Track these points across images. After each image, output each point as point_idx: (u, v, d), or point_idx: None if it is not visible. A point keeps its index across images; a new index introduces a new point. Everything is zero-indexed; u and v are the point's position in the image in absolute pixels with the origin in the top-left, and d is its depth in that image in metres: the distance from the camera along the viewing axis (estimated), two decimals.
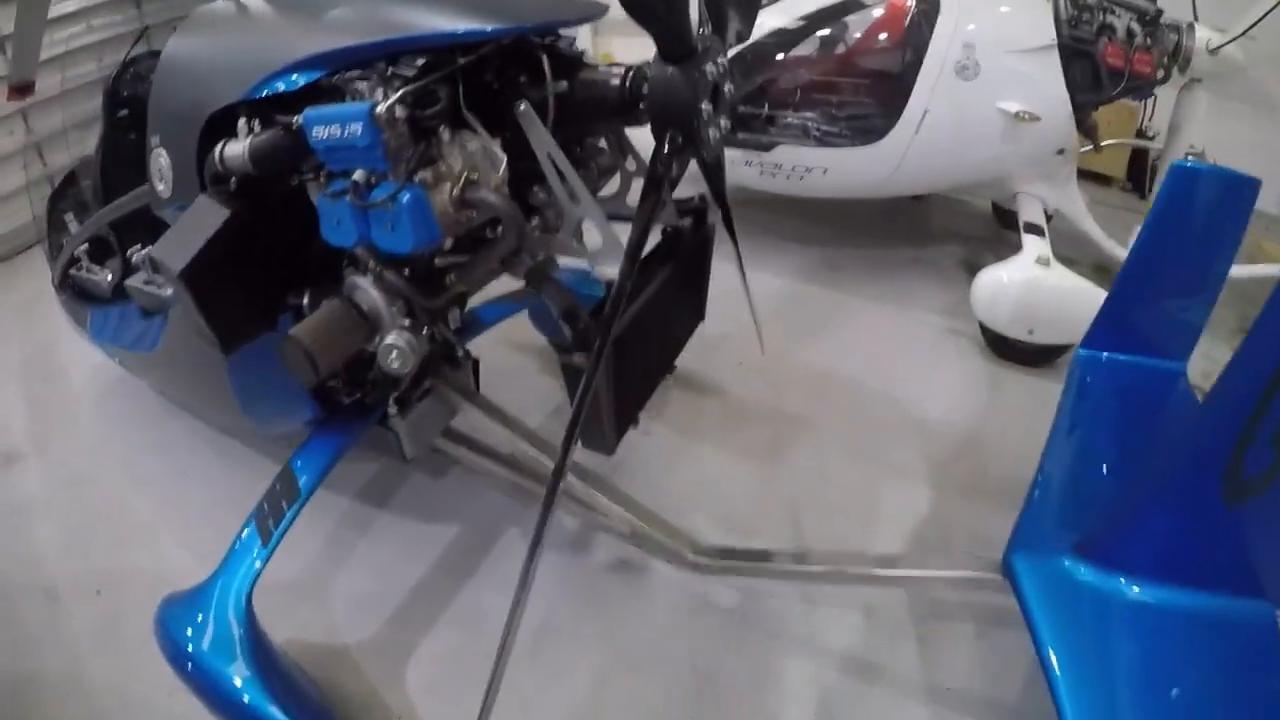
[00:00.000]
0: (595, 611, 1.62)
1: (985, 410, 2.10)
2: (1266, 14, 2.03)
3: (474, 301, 1.64)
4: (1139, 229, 1.47)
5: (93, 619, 1.83)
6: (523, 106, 1.16)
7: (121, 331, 1.80)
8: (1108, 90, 2.16)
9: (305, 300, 1.28)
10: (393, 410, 1.44)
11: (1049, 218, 2.29)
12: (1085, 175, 2.54)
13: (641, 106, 1.18)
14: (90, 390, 2.44)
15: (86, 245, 1.96)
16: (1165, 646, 1.07)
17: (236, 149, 1.19)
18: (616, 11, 1.19)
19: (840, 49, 2.35)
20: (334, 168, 1.13)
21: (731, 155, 1.95)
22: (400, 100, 1.07)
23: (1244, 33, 2.09)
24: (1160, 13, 2.16)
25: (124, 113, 1.93)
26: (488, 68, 1.21)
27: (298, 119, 1.13)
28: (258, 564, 1.39)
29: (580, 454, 1.28)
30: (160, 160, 1.39)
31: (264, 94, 1.20)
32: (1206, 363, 1.84)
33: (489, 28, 1.15)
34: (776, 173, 2.37)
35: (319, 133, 1.10)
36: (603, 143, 1.38)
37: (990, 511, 1.68)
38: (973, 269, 2.24)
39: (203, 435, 2.18)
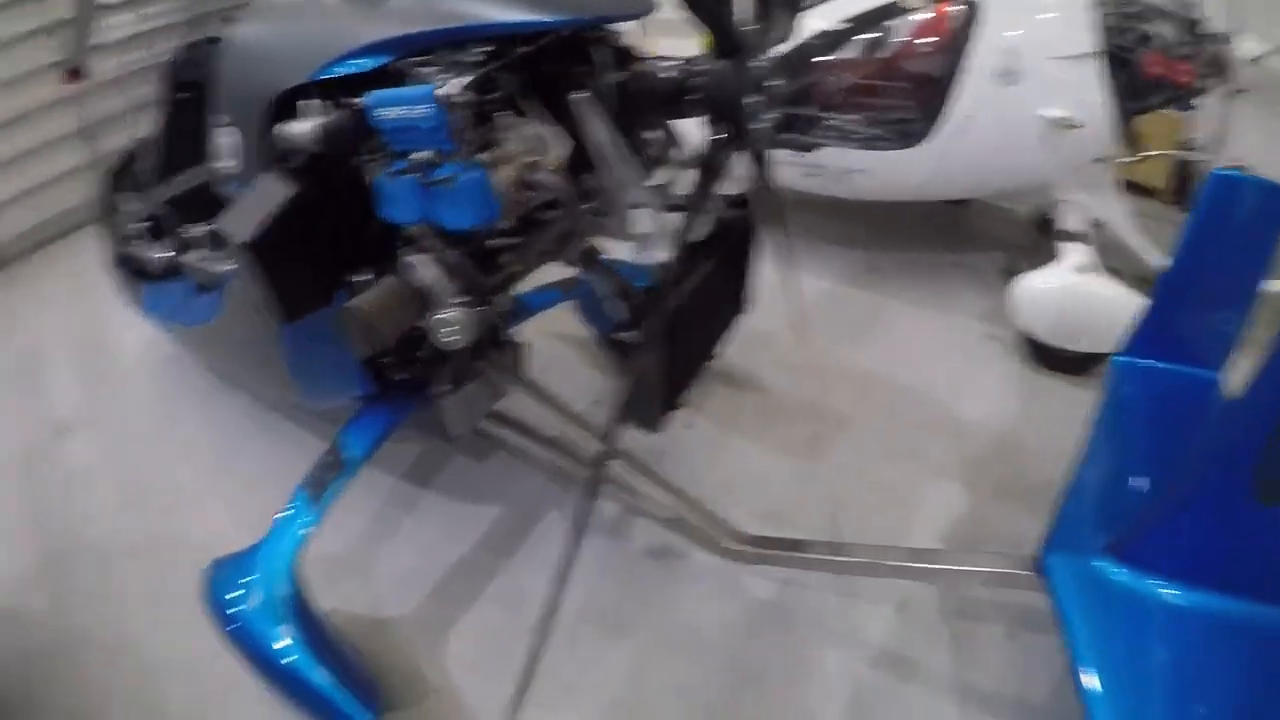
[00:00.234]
0: (634, 596, 1.64)
1: (1022, 415, 2.09)
2: None
3: (521, 291, 1.67)
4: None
5: (141, 582, 1.89)
6: (579, 96, 1.19)
7: (175, 306, 1.86)
8: (1148, 99, 2.15)
9: (361, 277, 1.32)
10: (441, 390, 1.47)
11: (1090, 227, 2.28)
12: (1128, 187, 2.52)
13: (693, 99, 1.21)
14: (141, 366, 2.51)
15: (142, 223, 2.02)
16: (1197, 650, 1.07)
17: (302, 129, 1.23)
18: (663, 12, 1.24)
19: (882, 52, 2.35)
20: (398, 147, 1.17)
21: (774, 155, 1.97)
22: (465, 85, 1.10)
23: None
24: (1202, 22, 2.14)
25: (182, 95, 1.99)
26: (546, 58, 1.24)
27: (363, 101, 1.17)
28: (305, 531, 1.43)
29: (624, 438, 1.31)
30: (224, 139, 1.44)
31: (330, 76, 1.24)
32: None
33: (548, 19, 1.19)
34: (819, 174, 2.38)
35: (385, 114, 1.14)
36: (652, 134, 1.40)
37: (1025, 514, 1.69)
38: (1012, 275, 2.23)
39: (250, 413, 2.23)
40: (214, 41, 2.02)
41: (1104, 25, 2.12)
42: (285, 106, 1.28)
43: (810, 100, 2.33)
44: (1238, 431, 1.02)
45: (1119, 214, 2.33)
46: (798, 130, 2.34)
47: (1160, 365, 1.54)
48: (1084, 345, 2.13)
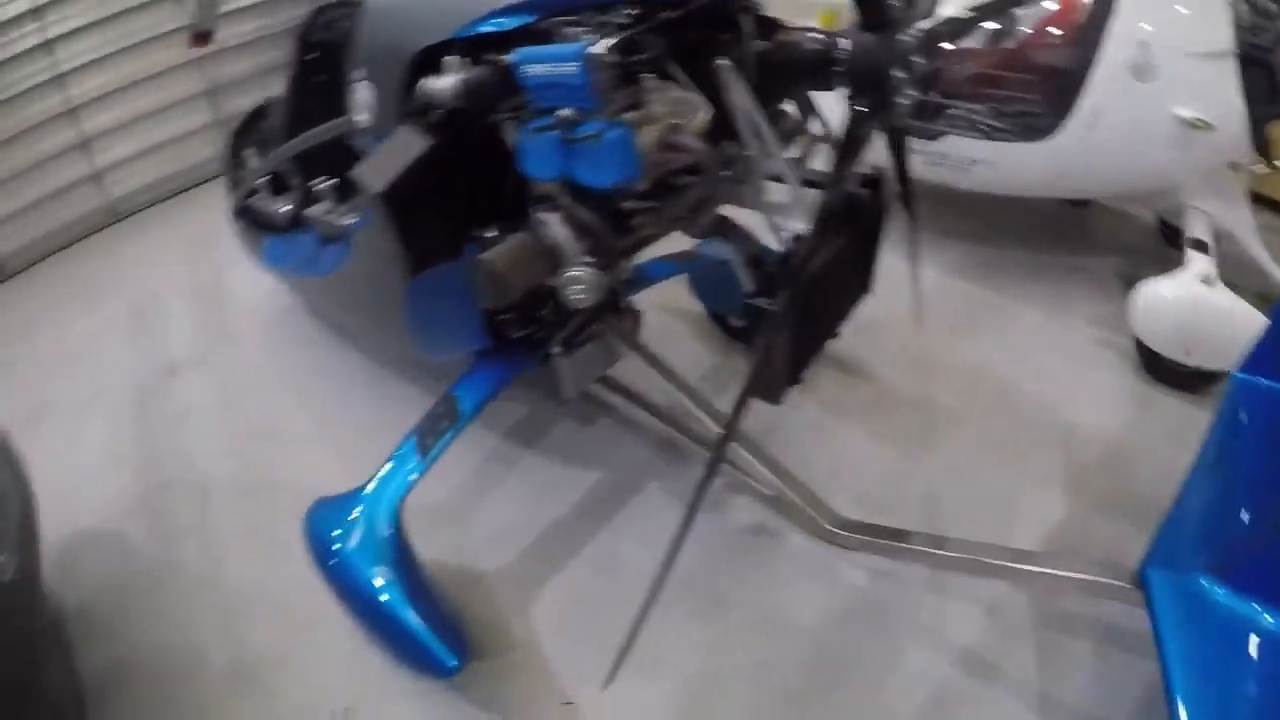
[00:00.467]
0: (728, 571, 1.64)
1: (1132, 427, 2.01)
2: None
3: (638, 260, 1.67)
4: None
5: (239, 520, 1.98)
6: (723, 62, 1.18)
7: (297, 258, 1.92)
8: None
9: (489, 233, 1.34)
10: (557, 350, 1.49)
11: (1216, 238, 2.17)
12: (1259, 200, 2.39)
13: (837, 70, 1.19)
14: (254, 315, 2.62)
15: (266, 177, 2.10)
16: None
17: (444, 84, 1.25)
18: None
19: (1010, 41, 2.28)
20: (542, 104, 1.18)
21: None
22: (613, 45, 1.11)
23: None
24: None
25: (313, 55, 2.06)
26: (690, 24, 1.24)
27: (509, 58, 1.19)
28: (412, 477, 1.47)
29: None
30: (362, 93, 1.47)
31: (474, 34, 1.26)
32: None
33: None
34: (942, 162, 2.32)
35: (532, 70, 1.15)
36: (790, 106, 1.39)
37: (1127, 528, 1.64)
38: (1131, 282, 2.14)
39: (358, 365, 2.30)
40: (342, 5, 2.09)
41: (1242, 23, 2.01)
42: (423, 63, 1.31)
43: (936, 87, 2.28)
44: None
45: (1246, 225, 2.21)
46: (924, 117, 2.29)
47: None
48: (1198, 360, 2.03)
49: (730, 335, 2.24)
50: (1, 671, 1.21)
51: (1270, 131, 2.16)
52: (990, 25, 2.26)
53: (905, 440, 1.96)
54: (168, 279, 3.00)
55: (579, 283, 1.23)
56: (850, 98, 1.17)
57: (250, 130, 2.36)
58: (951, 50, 2.27)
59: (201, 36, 3.33)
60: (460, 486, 1.85)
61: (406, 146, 1.29)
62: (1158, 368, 2.12)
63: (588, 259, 1.25)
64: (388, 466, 1.50)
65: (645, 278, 1.81)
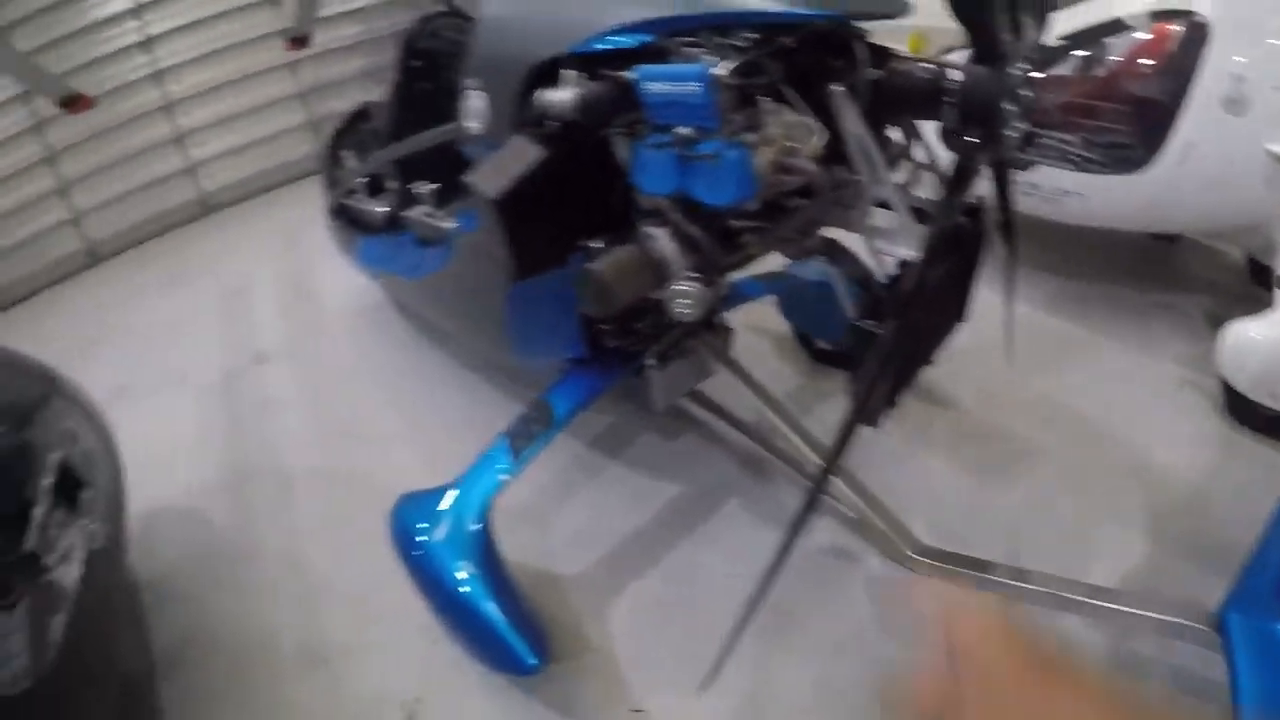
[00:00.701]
0: (803, 591, 1.64)
1: (1215, 470, 1.96)
2: None
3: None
4: None
5: (320, 509, 2.03)
6: (837, 88, 1.21)
7: (392, 258, 1.99)
8: None
9: (597, 243, 1.38)
10: (651, 362, 1.52)
11: None
12: None
13: (949, 101, 1.20)
14: (342, 312, 2.70)
15: (364, 179, 2.18)
16: None
17: (561, 96, 1.29)
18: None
19: (1101, 71, 2.25)
20: (660, 121, 1.21)
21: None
22: (735, 67, 1.14)
23: None
24: None
25: (417, 62, 2.13)
26: (805, 49, 1.27)
27: (630, 74, 1.22)
28: (503, 477, 1.50)
29: (825, 432, 1.31)
30: (474, 101, 1.53)
31: (594, 49, 1.30)
32: None
33: (809, 12, 1.21)
34: (1032, 193, 2.30)
35: (653, 88, 1.19)
36: (895, 133, 1.41)
37: (1205, 573, 1.58)
38: (1218, 321, 2.09)
39: (446, 367, 2.36)
40: (447, 15, 2.16)
41: None
42: (539, 75, 1.36)
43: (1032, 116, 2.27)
44: None
45: None
46: (1020, 146, 2.28)
47: None
48: None
49: (815, 358, 2.24)
50: (82, 636, 1.25)
51: None
52: (1081, 53, 2.24)
53: (984, 471, 1.94)
54: (257, 271, 3.10)
55: (686, 296, 1.25)
56: (960, 129, 1.18)
57: (349, 132, 2.45)
58: (1044, 78, 2.26)
59: (299, 40, 3.47)
60: (543, 490, 1.88)
61: (521, 155, 1.34)
62: (1243, 410, 2.07)
63: (692, 274, 1.27)
64: (478, 464, 1.53)
65: (739, 295, 1.83)
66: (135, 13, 3.62)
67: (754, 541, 1.70)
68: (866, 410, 1.21)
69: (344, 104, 2.90)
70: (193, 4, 3.68)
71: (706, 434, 1.99)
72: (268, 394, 2.42)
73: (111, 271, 3.59)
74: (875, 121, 1.27)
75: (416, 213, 1.85)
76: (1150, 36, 2.17)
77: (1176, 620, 1.31)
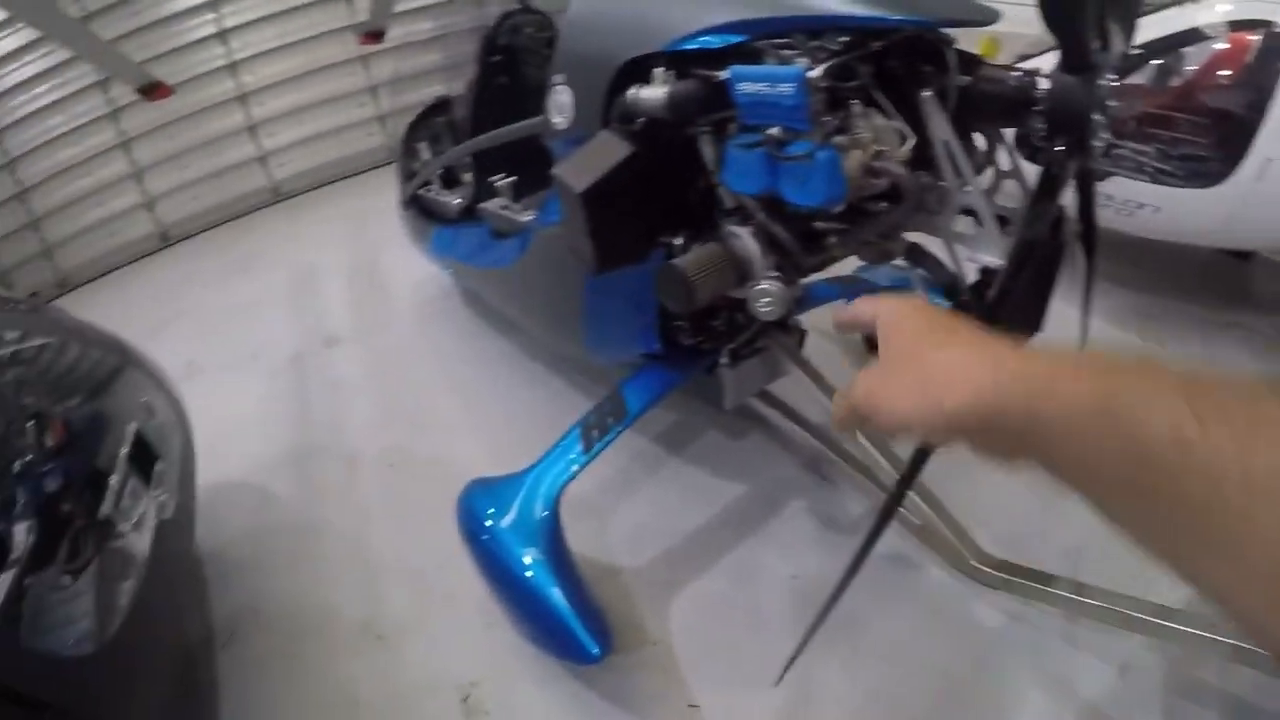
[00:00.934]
0: (864, 596, 1.60)
1: None
2: None
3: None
4: None
5: (384, 491, 2.06)
6: (926, 94, 1.21)
7: (467, 249, 2.03)
8: None
9: (678, 241, 1.40)
10: (724, 361, 1.53)
11: None
12: None
13: (1037, 109, 1.20)
14: (411, 299, 2.75)
15: (439, 170, 2.23)
16: None
17: (652, 94, 1.32)
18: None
19: (1177, 81, 2.21)
20: (751, 121, 1.23)
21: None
22: (828, 69, 1.15)
23: None
24: None
25: (497, 58, 2.18)
26: (894, 54, 1.27)
27: (722, 74, 1.24)
28: (575, 467, 1.51)
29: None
30: (561, 97, 1.56)
31: (684, 49, 1.33)
32: None
33: (898, 17, 1.22)
34: (1107, 204, 2.26)
35: (746, 88, 1.20)
36: (978, 140, 1.40)
37: None
38: None
39: (514, 358, 2.38)
40: (527, 13, 2.20)
41: None
42: (627, 73, 1.38)
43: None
44: None
45: None
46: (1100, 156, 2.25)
47: None
48: None
49: None
50: (148, 605, 1.26)
51: None
52: (1157, 63, 2.20)
53: (1049, 485, 1.90)
54: (326, 258, 3.18)
55: (768, 295, 1.26)
56: (1048, 138, 1.18)
57: (424, 124, 2.50)
58: (1120, 87, 2.23)
59: (374, 34, 3.55)
60: (607, 483, 1.89)
61: (609, 151, 1.36)
62: None
63: (774, 274, 1.29)
64: (551, 454, 1.55)
65: (814, 297, 1.83)
66: (212, 5, 3.74)
67: (818, 544, 1.70)
68: None
69: (414, 98, 2.96)
70: None
71: (771, 434, 1.99)
72: (336, 376, 2.47)
73: (183, 254, 3.70)
74: (962, 128, 1.27)
75: (493, 205, 1.89)
76: (1228, 46, 2.13)
77: (1241, 644, 1.29)
